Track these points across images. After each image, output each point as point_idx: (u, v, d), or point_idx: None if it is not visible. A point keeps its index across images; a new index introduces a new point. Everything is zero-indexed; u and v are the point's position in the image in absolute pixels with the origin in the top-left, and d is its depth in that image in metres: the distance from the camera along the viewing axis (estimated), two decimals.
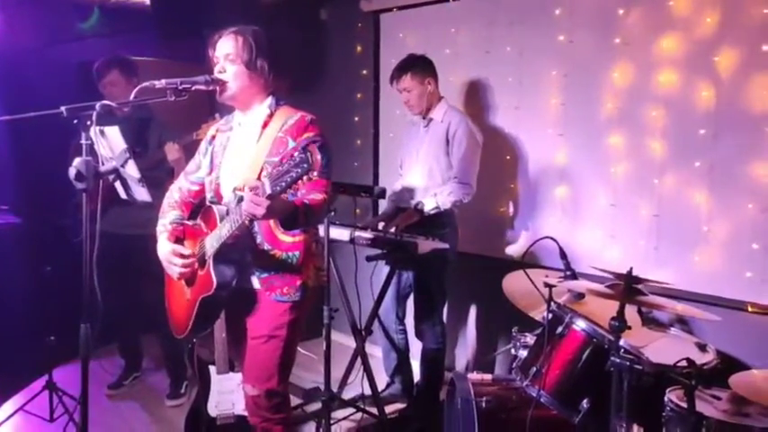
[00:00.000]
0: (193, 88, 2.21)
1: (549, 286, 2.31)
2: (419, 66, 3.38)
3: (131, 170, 3.01)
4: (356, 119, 4.49)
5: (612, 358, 1.96)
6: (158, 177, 3.27)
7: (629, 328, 1.98)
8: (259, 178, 2.08)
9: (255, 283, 2.29)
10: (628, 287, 1.99)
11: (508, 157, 3.64)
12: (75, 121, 1.97)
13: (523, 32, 3.54)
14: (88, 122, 1.96)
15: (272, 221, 2.22)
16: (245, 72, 2.26)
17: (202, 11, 3.95)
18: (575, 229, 3.40)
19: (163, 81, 2.17)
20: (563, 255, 2.52)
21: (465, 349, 4.01)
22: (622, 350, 2.08)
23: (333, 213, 2.96)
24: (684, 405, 2.01)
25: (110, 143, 2.89)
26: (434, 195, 3.27)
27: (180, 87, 2.18)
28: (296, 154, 1.87)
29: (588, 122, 3.31)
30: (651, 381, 2.14)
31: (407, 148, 3.57)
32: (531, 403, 2.32)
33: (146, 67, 3.85)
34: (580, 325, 2.32)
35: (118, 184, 3.08)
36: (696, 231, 2.95)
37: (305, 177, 1.86)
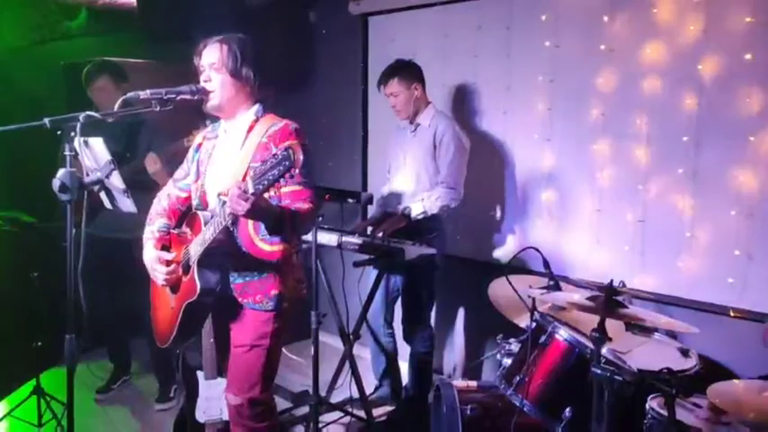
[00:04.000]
0: (179, 98, 2.20)
1: (532, 298, 2.33)
2: (406, 70, 3.38)
3: (116, 181, 2.99)
4: (344, 122, 4.49)
5: (593, 369, 1.98)
6: (147, 181, 3.27)
7: (610, 339, 2.00)
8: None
9: (231, 289, 2.29)
10: (608, 300, 2.01)
11: (495, 162, 3.66)
12: (59, 132, 1.96)
13: (510, 37, 3.55)
14: (72, 133, 1.95)
15: (251, 229, 2.22)
16: (231, 80, 2.26)
17: (189, 13, 3.93)
18: (561, 233, 3.42)
19: (148, 91, 2.16)
20: (546, 265, 2.54)
21: (453, 353, 4.03)
22: (604, 360, 2.10)
23: (320, 218, 2.98)
24: (665, 413, 2.04)
25: (94, 154, 2.87)
26: (422, 200, 3.28)
27: (165, 98, 2.17)
28: (278, 152, 1.86)
29: (574, 128, 3.33)
30: (633, 389, 2.17)
31: (395, 152, 3.57)
32: (515, 411, 2.34)
33: (134, 69, 3.83)
34: (562, 335, 2.34)
35: (103, 195, 3.07)
36: (680, 237, 2.98)
37: (287, 176, 1.86)
